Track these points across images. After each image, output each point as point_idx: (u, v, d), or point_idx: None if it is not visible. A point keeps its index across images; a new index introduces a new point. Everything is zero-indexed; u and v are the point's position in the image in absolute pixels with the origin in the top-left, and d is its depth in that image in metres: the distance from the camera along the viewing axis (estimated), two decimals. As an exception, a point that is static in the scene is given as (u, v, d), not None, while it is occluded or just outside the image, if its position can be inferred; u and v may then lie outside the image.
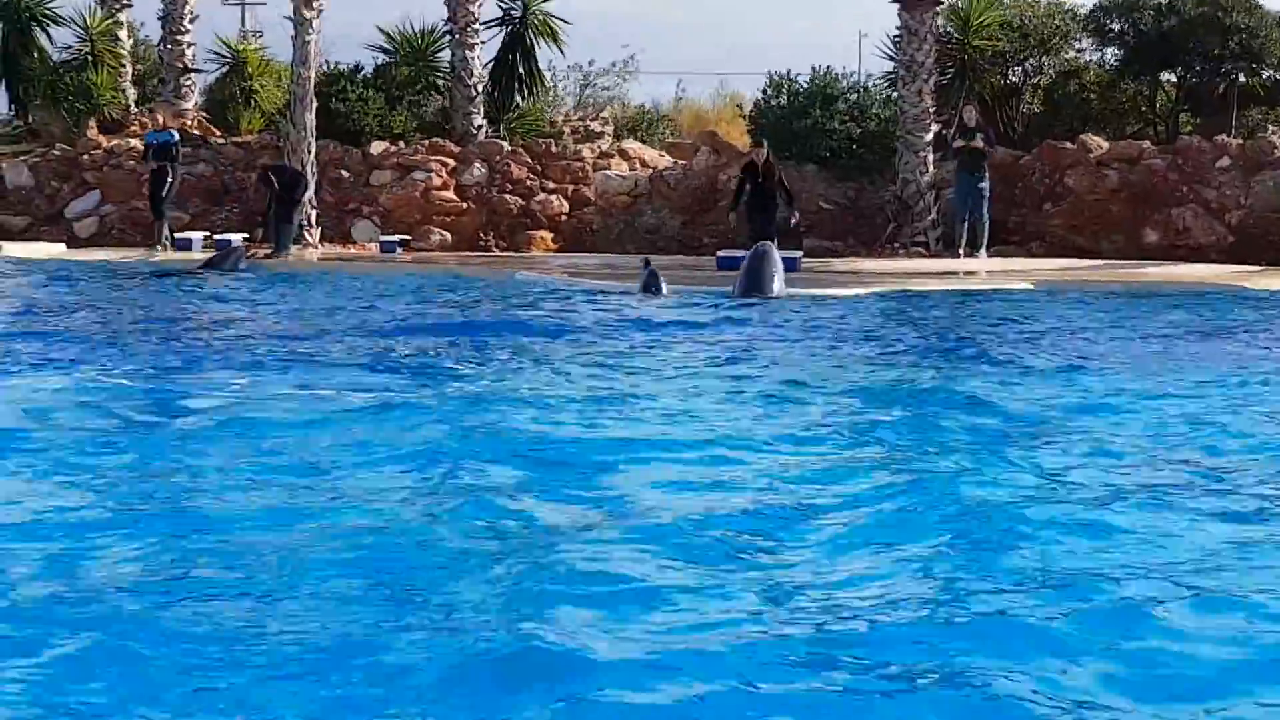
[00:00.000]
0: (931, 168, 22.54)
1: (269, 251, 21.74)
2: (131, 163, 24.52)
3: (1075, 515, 6.51)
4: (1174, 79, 25.01)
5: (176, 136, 22.62)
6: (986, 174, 21.31)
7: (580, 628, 5.05)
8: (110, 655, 4.79)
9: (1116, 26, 24.31)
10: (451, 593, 5.47)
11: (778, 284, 16.36)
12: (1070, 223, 22.25)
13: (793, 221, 20.02)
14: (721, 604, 5.37)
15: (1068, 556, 5.94)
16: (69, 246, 23.18)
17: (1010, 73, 24.74)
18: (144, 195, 24.19)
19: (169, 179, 22.43)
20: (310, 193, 22.95)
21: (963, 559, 5.94)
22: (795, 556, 5.99)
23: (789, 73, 24.04)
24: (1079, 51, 25.08)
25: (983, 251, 21.28)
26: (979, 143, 21.18)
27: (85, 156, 24.82)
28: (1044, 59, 24.50)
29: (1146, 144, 22.60)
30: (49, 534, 6.21)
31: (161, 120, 22.91)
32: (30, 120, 26.64)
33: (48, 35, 26.69)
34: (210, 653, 4.80)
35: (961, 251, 21.35)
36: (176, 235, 23.10)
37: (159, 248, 22.06)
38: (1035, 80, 24.96)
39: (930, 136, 22.57)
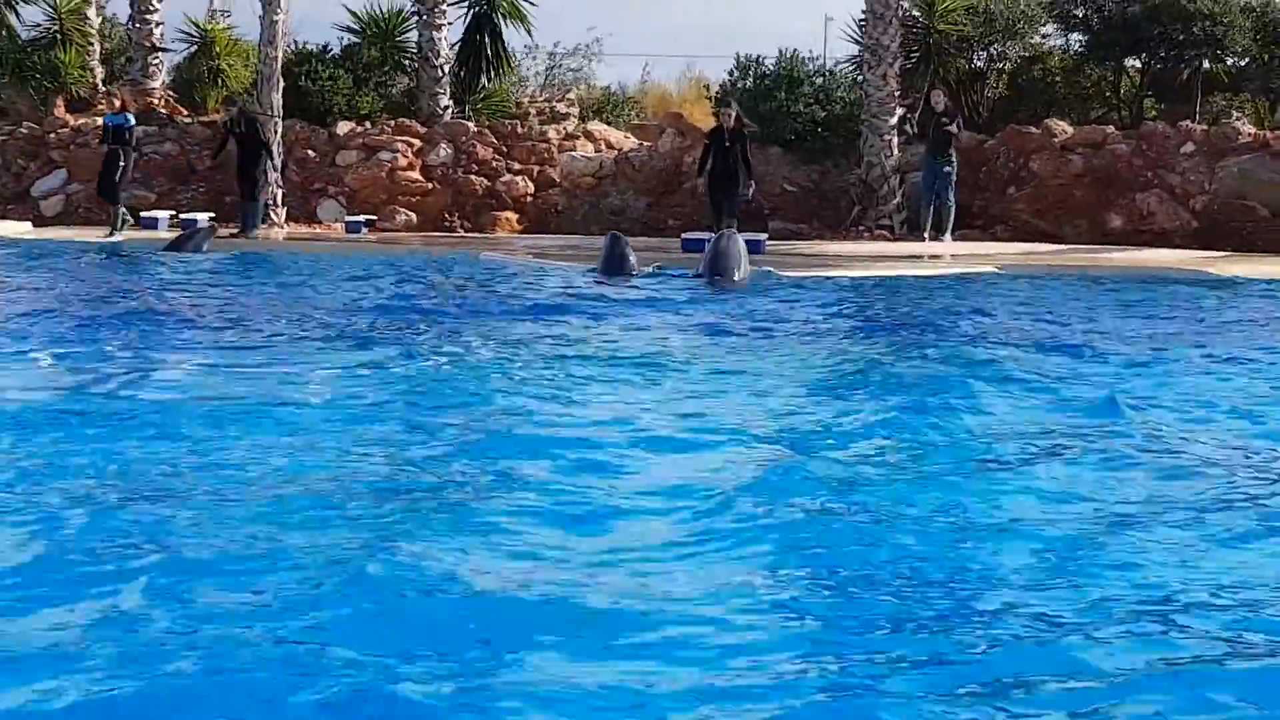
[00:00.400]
0: (896, 151, 22.61)
1: (234, 231, 21.74)
2: (97, 141, 24.44)
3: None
4: (1138, 65, 25.13)
5: (132, 120, 22.19)
6: (953, 158, 21.41)
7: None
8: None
9: (1081, 12, 24.40)
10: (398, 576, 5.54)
11: (741, 270, 16.36)
12: (1034, 207, 22.35)
13: (750, 192, 19.49)
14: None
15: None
16: (35, 225, 23.11)
17: (975, 57, 24.81)
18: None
19: (121, 163, 22.02)
20: (276, 173, 22.93)
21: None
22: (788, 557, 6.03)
23: (757, 56, 24.10)
24: (1044, 36, 25.18)
25: (947, 235, 21.39)
26: (954, 127, 21.30)
27: (52, 135, 24.73)
28: (1009, 43, 24.55)
29: (1111, 129, 22.71)
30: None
31: (119, 103, 22.60)
32: (-2, 98, 26.53)
33: (15, 13, 26.53)
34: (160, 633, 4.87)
35: (926, 235, 21.45)
36: (143, 214, 23.02)
37: (116, 232, 21.68)
38: (1000, 65, 25.04)
39: (895, 120, 22.63)
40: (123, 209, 22.14)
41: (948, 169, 21.35)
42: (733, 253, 16.41)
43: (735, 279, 16.15)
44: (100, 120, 23.85)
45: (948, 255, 20.05)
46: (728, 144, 18.91)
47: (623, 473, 7.15)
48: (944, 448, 7.82)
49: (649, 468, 7.27)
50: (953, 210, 21.47)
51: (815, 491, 6.77)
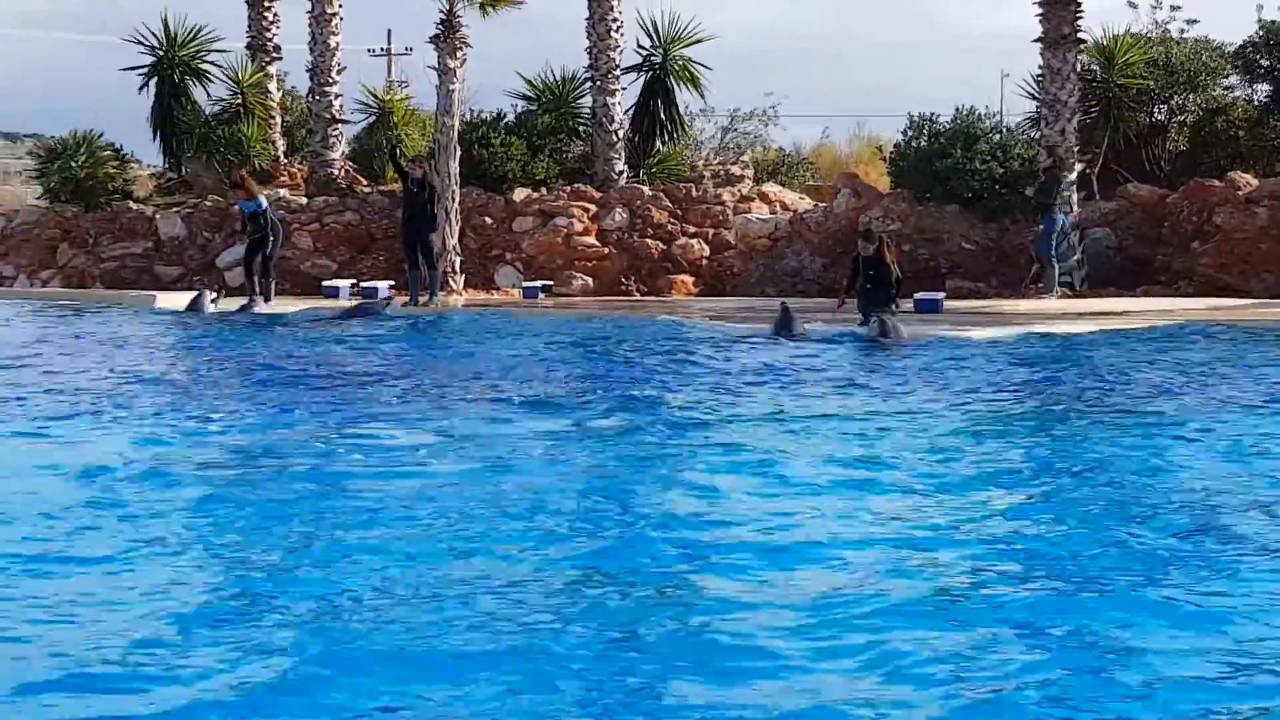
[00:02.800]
0: (1076, 207, 22.35)
1: (406, 300, 21.96)
2: (281, 212, 25.06)
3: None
4: (1327, 114, 24.49)
5: (265, 204, 22.39)
6: (1046, 217, 21.44)
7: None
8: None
9: (1266, 62, 23.92)
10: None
11: (903, 332, 16.57)
12: (1219, 261, 21.88)
13: (894, 308, 18.25)
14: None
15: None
16: (222, 294, 23.61)
17: (1156, 110, 24.39)
18: (293, 245, 24.70)
19: (263, 248, 21.80)
20: (455, 239, 23.25)
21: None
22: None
23: (931, 115, 23.91)
24: (1227, 88, 24.67)
25: (1053, 291, 21.40)
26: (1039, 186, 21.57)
27: (236, 207, 25.30)
28: (1190, 96, 24.12)
29: (1299, 180, 22.19)
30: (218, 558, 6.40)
31: (241, 192, 22.67)
32: (183, 172, 27.27)
33: (201, 88, 27.28)
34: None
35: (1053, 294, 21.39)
36: (324, 284, 23.47)
37: (266, 302, 21.51)
38: (1181, 117, 24.57)
39: (1074, 176, 22.37)
40: (272, 282, 22.16)
41: (1040, 227, 21.47)
42: (893, 323, 16.70)
43: (901, 339, 16.34)
44: (284, 191, 24.39)
45: (1130, 312, 19.59)
46: (872, 271, 18.65)
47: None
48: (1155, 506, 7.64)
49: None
50: (1047, 268, 21.53)
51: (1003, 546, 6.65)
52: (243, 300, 21.37)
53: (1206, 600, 6.00)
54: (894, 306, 18.10)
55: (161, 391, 12.28)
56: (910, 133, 24.11)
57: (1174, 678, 5.08)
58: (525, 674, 5.13)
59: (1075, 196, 22.42)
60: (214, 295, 21.46)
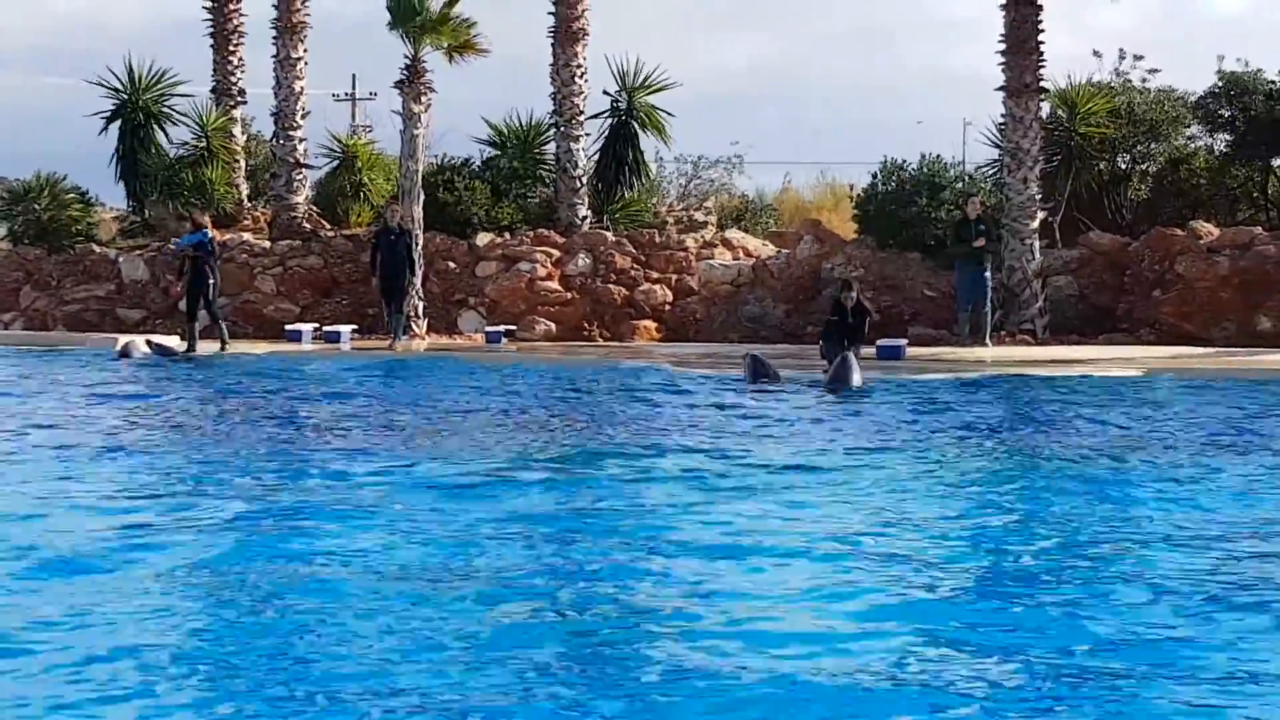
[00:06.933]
0: (1038, 255, 22.43)
1: (390, 342, 22.05)
2: (244, 256, 25.04)
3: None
4: (1286, 164, 24.69)
5: (209, 234, 22.09)
6: (988, 266, 21.41)
7: None
8: None
9: (1226, 112, 24.08)
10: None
11: (859, 379, 16.55)
12: (1180, 309, 21.96)
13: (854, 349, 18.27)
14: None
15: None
16: (181, 338, 23.47)
17: (1118, 159, 24.53)
18: (256, 288, 24.63)
19: (210, 279, 21.58)
20: (418, 283, 23.21)
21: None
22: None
23: (902, 161, 24.01)
24: (1189, 138, 24.84)
25: (988, 340, 21.25)
26: (979, 240, 21.28)
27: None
28: (1152, 145, 24.28)
29: (1259, 230, 22.33)
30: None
31: (190, 225, 22.51)
32: (146, 215, 27.14)
33: (164, 132, 27.19)
34: None
35: (967, 341, 21.32)
36: (287, 327, 23.37)
37: (226, 345, 21.48)
38: (1143, 166, 24.72)
39: (1036, 224, 22.48)
40: (219, 327, 21.95)
41: (984, 277, 21.39)
42: (853, 364, 16.68)
43: (855, 385, 16.38)
44: (247, 235, 24.32)
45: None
46: (850, 320, 18.80)
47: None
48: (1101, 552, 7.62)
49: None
50: (989, 317, 21.54)
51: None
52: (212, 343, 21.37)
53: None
54: (855, 347, 18.10)
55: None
56: (880, 177, 24.19)
57: None
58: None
59: (1037, 244, 22.52)
60: (146, 340, 21.40)
